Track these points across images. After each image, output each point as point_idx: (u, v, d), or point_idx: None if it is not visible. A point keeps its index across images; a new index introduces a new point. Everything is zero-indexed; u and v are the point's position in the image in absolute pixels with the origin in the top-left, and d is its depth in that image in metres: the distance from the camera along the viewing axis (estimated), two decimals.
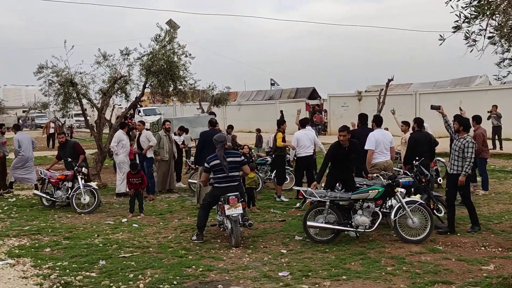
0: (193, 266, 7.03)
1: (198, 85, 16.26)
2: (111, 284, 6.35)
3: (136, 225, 9.78)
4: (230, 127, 17.18)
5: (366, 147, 9.91)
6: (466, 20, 4.08)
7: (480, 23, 4.15)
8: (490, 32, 4.16)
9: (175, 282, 6.38)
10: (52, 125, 29.23)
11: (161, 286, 6.26)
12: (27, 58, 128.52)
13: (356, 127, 11.64)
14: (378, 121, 10.50)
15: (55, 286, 6.32)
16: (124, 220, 10.26)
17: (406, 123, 12.47)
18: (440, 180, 12.45)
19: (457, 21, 4.14)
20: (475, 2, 4.00)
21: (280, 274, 6.66)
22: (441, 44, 4.27)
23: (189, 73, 14.81)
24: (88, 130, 17.31)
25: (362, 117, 11.24)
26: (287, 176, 13.11)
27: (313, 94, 38.48)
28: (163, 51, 14.21)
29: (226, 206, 8.13)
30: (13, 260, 7.47)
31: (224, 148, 8.57)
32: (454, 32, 4.17)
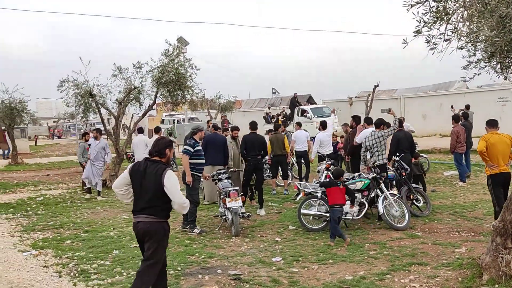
0: (197, 254, 7.01)
1: (204, 94, 16.20)
2: (122, 271, 6.34)
3: None
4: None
5: (358, 141, 10.00)
6: (426, 25, 4.06)
7: (439, 28, 4.11)
8: (448, 36, 4.11)
9: (179, 268, 6.36)
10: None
11: (167, 271, 6.23)
12: (57, 74, 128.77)
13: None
14: (369, 121, 10.53)
15: (72, 273, 6.33)
16: None
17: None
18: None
19: (417, 26, 4.11)
20: (434, 9, 3.97)
21: (273, 259, 6.63)
22: (404, 47, 4.23)
23: (196, 83, 14.83)
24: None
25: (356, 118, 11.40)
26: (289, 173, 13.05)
27: (310, 100, 38.34)
28: (172, 64, 14.24)
29: (227, 199, 8.11)
30: (36, 251, 7.48)
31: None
32: (415, 36, 4.13)
